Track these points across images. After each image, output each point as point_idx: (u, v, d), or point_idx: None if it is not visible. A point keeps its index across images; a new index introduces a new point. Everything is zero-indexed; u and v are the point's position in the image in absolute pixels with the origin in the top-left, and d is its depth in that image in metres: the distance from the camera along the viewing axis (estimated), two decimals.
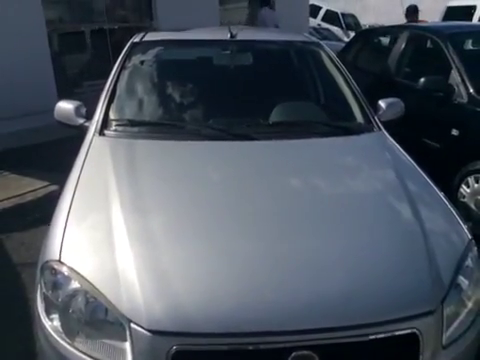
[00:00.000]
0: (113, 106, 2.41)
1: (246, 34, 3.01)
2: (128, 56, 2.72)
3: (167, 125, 2.38)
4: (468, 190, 3.37)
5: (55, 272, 1.49)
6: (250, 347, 1.32)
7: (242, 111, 2.49)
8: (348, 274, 1.47)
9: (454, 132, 3.50)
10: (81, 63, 6.44)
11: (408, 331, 1.37)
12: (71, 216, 1.65)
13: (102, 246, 1.53)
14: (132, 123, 2.34)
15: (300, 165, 2.08)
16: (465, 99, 3.50)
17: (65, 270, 1.47)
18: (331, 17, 14.75)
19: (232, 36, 2.81)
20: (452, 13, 7.47)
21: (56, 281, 1.48)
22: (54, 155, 4.31)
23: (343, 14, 14.88)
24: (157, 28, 6.67)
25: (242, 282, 1.42)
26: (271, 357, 1.34)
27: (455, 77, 3.64)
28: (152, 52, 2.80)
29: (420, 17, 7.28)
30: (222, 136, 2.21)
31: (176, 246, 1.54)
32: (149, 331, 1.31)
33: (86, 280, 1.43)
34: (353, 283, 1.45)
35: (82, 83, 6.23)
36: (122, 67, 2.64)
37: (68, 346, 1.39)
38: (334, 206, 1.79)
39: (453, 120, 3.57)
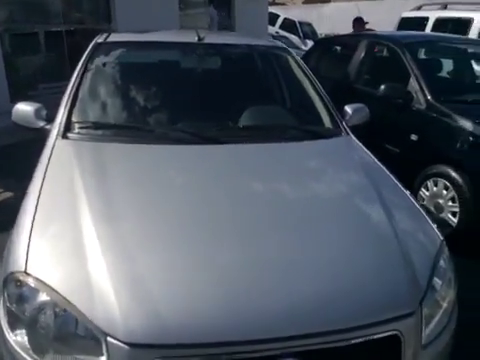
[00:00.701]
0: (76, 108, 2.30)
1: (214, 38, 2.98)
2: (91, 57, 2.61)
3: (134, 128, 2.30)
4: (427, 193, 3.49)
5: (20, 284, 1.38)
6: (235, 356, 1.28)
7: (210, 114, 2.45)
8: (327, 277, 1.46)
9: (413, 137, 3.63)
10: (35, 65, 6.18)
11: (390, 333, 1.38)
12: (36, 224, 1.54)
13: (72, 255, 1.43)
14: (97, 126, 2.24)
15: (272, 169, 2.06)
16: (423, 105, 3.63)
17: (31, 282, 1.37)
18: (289, 25, 15.01)
19: (200, 39, 2.77)
20: (406, 23, 7.79)
21: (22, 294, 1.37)
22: (11, 159, 4.09)
23: (300, 23, 15.18)
24: (115, 31, 6.52)
25: (220, 289, 1.38)
26: None
27: (413, 85, 3.77)
28: (117, 53, 2.70)
29: (371, 27, 7.58)
30: (190, 139, 2.16)
31: (151, 253, 1.47)
32: (127, 344, 1.24)
33: (55, 291, 1.33)
34: (332, 286, 1.44)
35: (37, 85, 5.97)
36: (85, 68, 2.53)
37: None
38: (307, 210, 1.78)
39: (412, 126, 3.70)
